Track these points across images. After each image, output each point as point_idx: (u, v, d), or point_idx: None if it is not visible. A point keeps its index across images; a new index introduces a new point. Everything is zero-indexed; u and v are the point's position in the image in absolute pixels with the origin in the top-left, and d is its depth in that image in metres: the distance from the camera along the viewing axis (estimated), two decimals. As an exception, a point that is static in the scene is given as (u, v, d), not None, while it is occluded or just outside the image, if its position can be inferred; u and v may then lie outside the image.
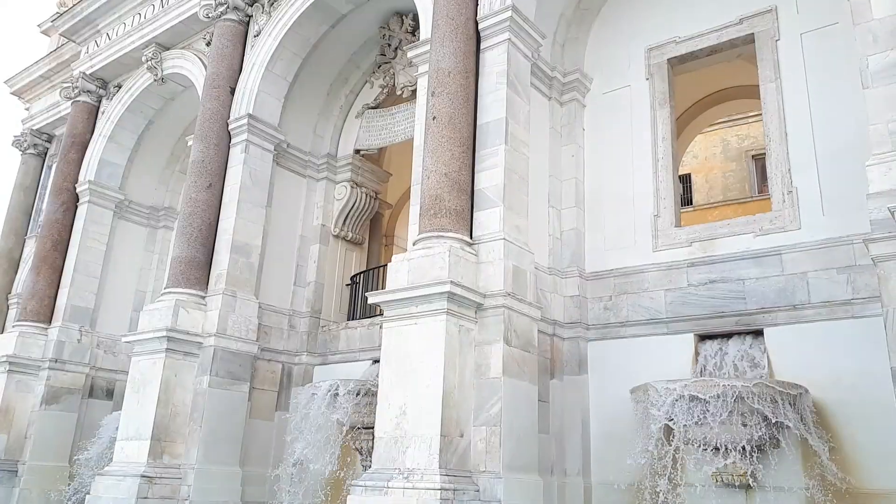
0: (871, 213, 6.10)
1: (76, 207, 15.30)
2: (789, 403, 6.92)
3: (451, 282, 7.79)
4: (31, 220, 18.18)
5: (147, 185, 16.28)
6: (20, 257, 17.71)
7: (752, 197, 21.44)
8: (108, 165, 15.53)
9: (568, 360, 9.33)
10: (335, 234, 13.33)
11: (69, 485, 13.03)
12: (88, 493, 10.65)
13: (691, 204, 22.26)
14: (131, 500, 9.82)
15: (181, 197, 13.15)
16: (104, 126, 15.71)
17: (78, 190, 15.34)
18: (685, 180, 22.15)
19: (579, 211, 10.04)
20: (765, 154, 9.13)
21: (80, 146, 15.71)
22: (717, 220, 9.40)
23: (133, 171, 15.99)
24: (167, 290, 11.47)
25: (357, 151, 13.60)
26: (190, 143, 12.80)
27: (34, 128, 18.83)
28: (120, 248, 15.60)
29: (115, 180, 15.60)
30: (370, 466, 7.91)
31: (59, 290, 14.65)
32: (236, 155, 12.29)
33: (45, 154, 19.06)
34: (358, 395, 9.54)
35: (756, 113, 15.45)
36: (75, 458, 13.25)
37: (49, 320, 14.43)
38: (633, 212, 9.66)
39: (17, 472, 13.24)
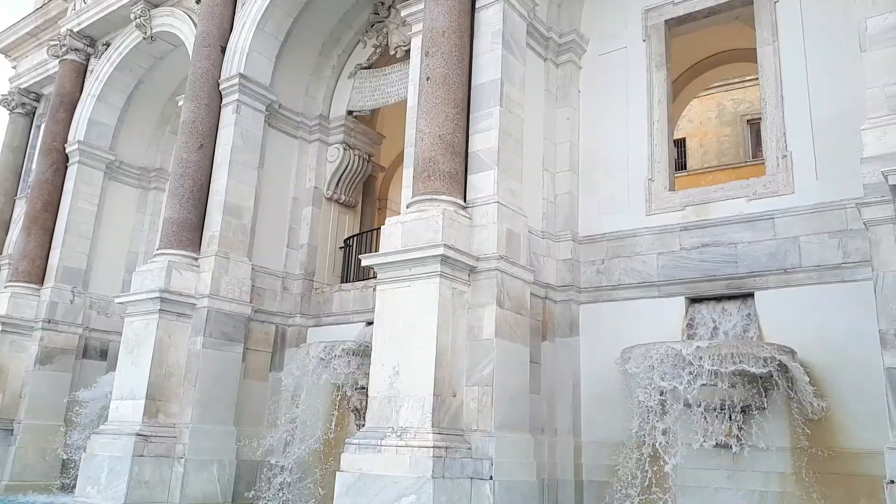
0: (864, 178, 6.11)
1: (66, 168, 15.16)
2: (777, 365, 7.03)
3: (445, 245, 7.80)
4: (21, 181, 17.99)
5: (138, 145, 16.11)
6: (10, 218, 17.58)
7: (746, 162, 21.42)
8: (98, 125, 15.34)
9: (560, 322, 9.41)
10: (328, 196, 13.27)
11: (65, 443, 13.19)
12: (84, 451, 10.78)
13: (685, 169, 22.24)
14: (127, 458, 9.94)
15: (172, 158, 13.03)
16: (93, 85, 15.47)
17: (67, 150, 15.17)
18: (680, 145, 22.09)
19: (573, 174, 10.02)
20: (760, 119, 9.10)
21: (69, 106, 15.49)
22: (710, 184, 9.40)
23: (123, 131, 15.80)
24: (159, 251, 11.44)
25: (350, 113, 13.46)
26: (180, 103, 12.63)
27: (22, 86, 18.51)
28: (111, 209, 15.51)
29: (105, 141, 15.42)
30: (364, 426, 8.02)
31: (51, 251, 14.61)
32: (227, 115, 12.15)
33: (34, 113, 18.78)
34: (352, 356, 9.63)
35: (752, 77, 15.34)
36: (70, 418, 13.38)
37: (41, 281, 14.41)
38: (627, 175, 9.65)
39: (12, 430, 13.36)
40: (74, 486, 10.88)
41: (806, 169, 8.23)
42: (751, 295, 8.22)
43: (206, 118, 12.06)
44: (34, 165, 15.94)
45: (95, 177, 15.23)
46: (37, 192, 14.92)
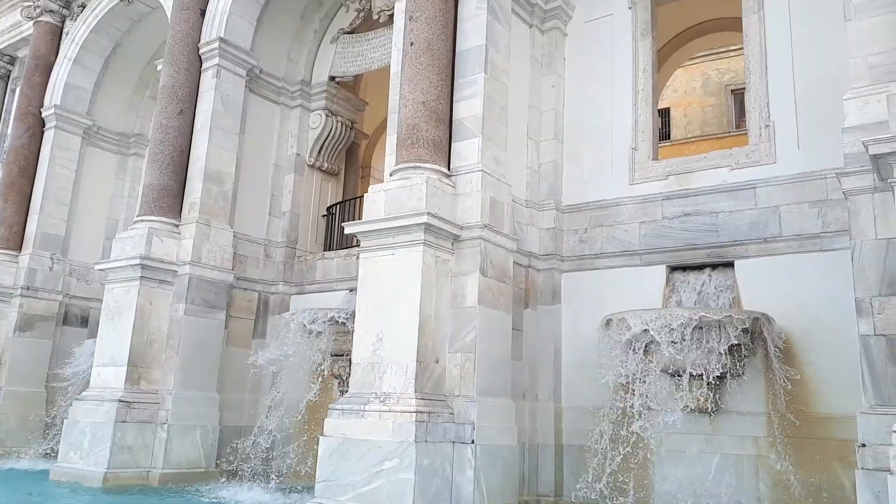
0: (845, 147, 6.15)
1: (42, 133, 14.83)
2: (754, 333, 7.15)
3: (429, 213, 7.79)
4: (-4, 146, 17.64)
5: (116, 110, 15.80)
6: (-14, 184, 17.24)
7: (729, 132, 21.51)
8: (74, 90, 15.01)
9: (542, 290, 9.47)
10: (310, 163, 13.15)
11: (46, 409, 13.17)
12: (66, 418, 10.77)
13: (669, 139, 22.29)
14: (109, 424, 9.96)
15: (152, 123, 12.82)
16: (69, 48, 15.09)
17: (44, 115, 14.85)
18: (664, 114, 22.11)
19: (558, 143, 10.00)
20: (744, 89, 9.11)
21: (45, 69, 15.12)
22: (694, 154, 9.44)
23: (101, 95, 15.47)
24: (140, 217, 11.33)
25: (332, 79, 13.28)
26: (159, 67, 12.40)
27: (-5, 49, 18.05)
28: (89, 175, 15.26)
29: (83, 105, 15.11)
30: (347, 392, 8.08)
31: (29, 218, 14.37)
32: (207, 80, 11.95)
33: (8, 77, 18.30)
34: (335, 323, 9.65)
35: (738, 47, 15.32)
36: (51, 383, 13.34)
37: (19, 248, 14.21)
38: (611, 144, 9.65)
39: (-7, 397, 13.30)
40: (57, 453, 10.89)
41: (788, 139, 8.28)
42: (731, 264, 8.31)
43: (186, 83, 11.85)
44: (9, 130, 15.59)
45: (73, 142, 14.95)
46: (13, 158, 14.62)
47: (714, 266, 8.50)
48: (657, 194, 9.02)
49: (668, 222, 8.85)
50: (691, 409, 7.65)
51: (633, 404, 7.37)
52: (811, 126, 8.09)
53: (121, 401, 10.12)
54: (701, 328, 6.86)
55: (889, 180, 5.34)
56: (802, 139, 8.16)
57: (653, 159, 9.38)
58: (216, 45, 11.81)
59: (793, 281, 7.75)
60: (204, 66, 12.03)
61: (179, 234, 11.28)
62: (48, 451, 12.65)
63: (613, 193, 9.40)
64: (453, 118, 8.79)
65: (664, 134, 22.00)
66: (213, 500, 8.95)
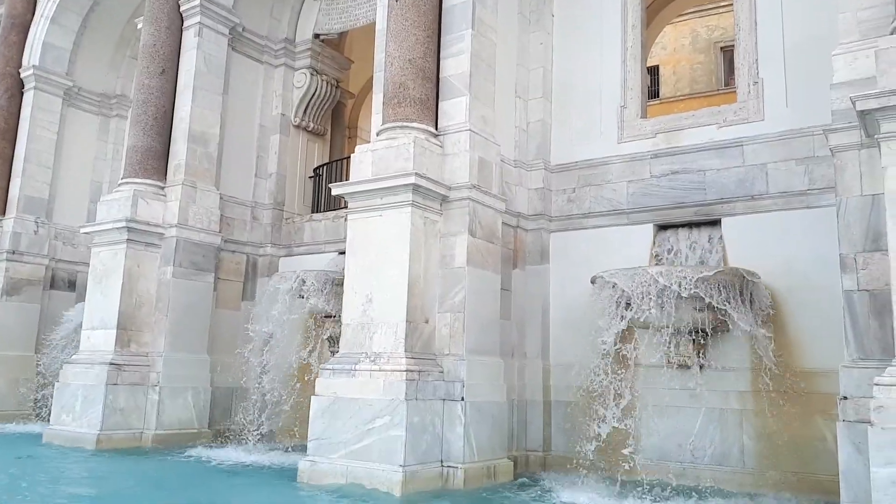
0: (833, 104, 6.14)
1: (22, 94, 14.52)
2: (740, 289, 7.22)
3: (416, 174, 7.74)
4: (-26, 108, 17.25)
5: (96, 71, 15.47)
6: (-34, 147, 16.94)
7: (718, 90, 21.40)
8: (53, 49, 14.67)
9: (531, 250, 9.50)
10: (296, 124, 13.01)
11: (37, 373, 13.20)
12: (57, 381, 10.81)
13: (658, 97, 22.16)
14: (101, 386, 10.00)
15: (133, 84, 12.59)
16: (46, 6, 14.66)
17: (22, 75, 14.52)
18: (653, 72, 21.95)
19: (546, 101, 9.92)
20: (734, 46, 9.03)
21: (21, 28, 14.73)
22: (683, 112, 9.39)
23: (80, 55, 15.13)
24: (124, 180, 11.21)
25: (316, 36, 13.04)
26: (140, 26, 12.10)
27: (-32, 7, 17.54)
28: (71, 137, 15.02)
29: (62, 65, 14.78)
30: (338, 352, 8.13)
31: (11, 181, 14.16)
32: (189, 39, 11.71)
33: (-17, 36, 17.86)
34: (324, 284, 9.66)
35: (727, 3, 15.15)
36: (41, 348, 13.35)
37: (3, 212, 14.04)
38: (599, 103, 9.57)
39: (-17, 362, 13.29)
40: (49, 416, 10.95)
41: (777, 96, 8.25)
42: (718, 221, 8.35)
43: (168, 42, 11.62)
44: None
45: (53, 103, 14.67)
46: (-7, 120, 14.37)
47: (701, 224, 8.54)
48: (645, 153, 9.01)
49: (656, 181, 8.85)
50: (677, 366, 7.78)
51: (619, 361, 7.47)
52: (800, 83, 8.06)
53: (111, 363, 10.15)
54: (688, 285, 6.91)
55: (875, 136, 5.35)
56: (791, 96, 8.13)
57: (641, 117, 9.33)
58: (197, 2, 11.56)
59: (779, 238, 7.81)
60: (185, 24, 11.79)
61: (165, 196, 11.19)
62: (40, 415, 12.72)
63: (602, 152, 9.37)
64: (440, 76, 8.68)
65: (653, 92, 21.88)
66: (207, 460, 9.05)
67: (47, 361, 13.02)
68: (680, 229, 8.69)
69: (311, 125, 13.21)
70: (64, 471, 8.21)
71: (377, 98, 9.00)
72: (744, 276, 7.26)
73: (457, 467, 7.44)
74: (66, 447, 9.83)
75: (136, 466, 8.61)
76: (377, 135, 8.53)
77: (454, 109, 8.53)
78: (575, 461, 7.38)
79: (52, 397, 10.88)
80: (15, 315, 13.56)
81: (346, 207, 8.76)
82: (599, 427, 7.33)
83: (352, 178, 8.40)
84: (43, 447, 9.95)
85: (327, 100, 13.32)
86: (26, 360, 13.50)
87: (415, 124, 8.23)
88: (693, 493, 6.71)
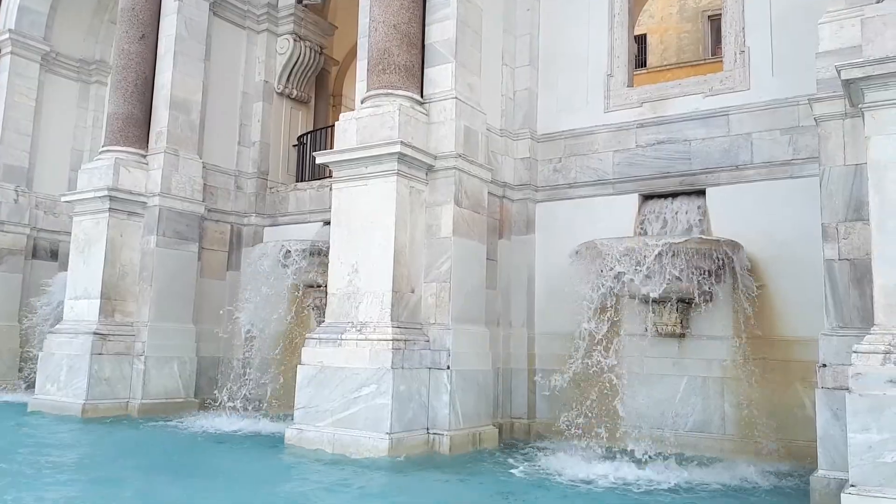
0: (818, 73, 6.12)
1: (-2, 59, 14.26)
2: (722, 259, 7.28)
3: (402, 142, 7.68)
4: (-51, 73, 16.85)
5: (75, 35, 15.14)
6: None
7: (705, 59, 21.32)
8: (30, 13, 14.32)
9: (516, 220, 9.50)
10: (279, 91, 12.83)
11: (21, 343, 13.14)
12: (41, 351, 10.76)
13: (645, 66, 22.04)
14: (85, 356, 9.97)
15: (113, 49, 12.32)
16: (20, -32, 14.31)
17: (-2, 40, 14.22)
18: (640, 41, 21.78)
19: (533, 69, 9.83)
20: (721, 14, 8.97)
21: (-5, -10, 14.40)
22: (669, 81, 9.35)
23: (58, 19, 14.80)
24: (105, 148, 11.04)
25: (299, 1, 12.80)
26: (118, -12, 11.83)
27: (-60, -32, 17.01)
28: (50, 104, 14.75)
29: (39, 30, 14.45)
30: (324, 322, 8.14)
31: (-11, 149, 13.95)
32: (169, 3, 11.45)
33: (-44, -1, 17.38)
34: (310, 254, 9.62)
35: (716, -31, 14.99)
36: (24, 318, 13.26)
37: (-19, 180, 13.85)
38: (586, 71, 9.51)
39: (-34, 332, 13.21)
40: (34, 385, 10.92)
41: (763, 65, 8.23)
42: (703, 191, 8.38)
43: (147, 6, 11.36)
44: (-39, 57, 14.91)
45: (31, 69, 14.37)
46: (-31, 86, 14.05)
47: (686, 194, 8.57)
48: (631, 122, 8.98)
49: (642, 150, 8.85)
50: (660, 334, 7.87)
51: (602, 331, 7.53)
52: (786, 52, 8.03)
53: (95, 333, 10.11)
54: (671, 255, 6.96)
55: (860, 106, 5.35)
56: (777, 65, 8.12)
57: (628, 86, 9.29)
58: (177, -35, 11.28)
59: (762, 208, 7.85)
60: (165, -13, 11.53)
61: (147, 164, 11.05)
62: (25, 385, 12.68)
63: (588, 122, 9.33)
64: (425, 42, 8.57)
65: (640, 61, 21.74)
66: (194, 428, 9.08)
67: (31, 331, 12.94)
68: (665, 199, 8.72)
69: (295, 92, 13.04)
70: (49, 438, 8.20)
71: (361, 65, 8.89)
72: (725, 246, 7.31)
73: (443, 434, 7.53)
74: (52, 416, 9.83)
75: (122, 434, 8.63)
76: (361, 102, 8.44)
77: (440, 77, 8.44)
78: (559, 428, 7.48)
79: (36, 367, 10.83)
80: (-3, 285, 13.45)
81: (331, 177, 8.70)
82: (581, 394, 7.42)
83: (336, 146, 8.32)
84: (29, 416, 9.94)
85: (311, 66, 13.14)
86: (10, 329, 13.42)
87: (400, 91, 8.14)
88: (674, 459, 6.83)
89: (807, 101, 6.40)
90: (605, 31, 9.41)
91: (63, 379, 10.16)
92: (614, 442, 7.25)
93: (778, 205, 7.76)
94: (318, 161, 8.55)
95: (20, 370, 13.21)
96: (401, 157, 7.74)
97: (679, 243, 7.04)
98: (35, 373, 10.92)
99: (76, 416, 9.71)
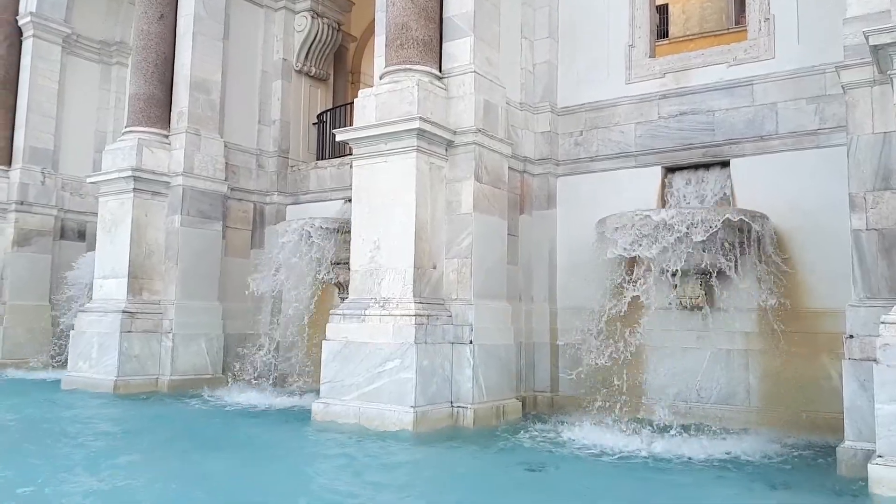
0: (845, 39, 5.99)
1: (20, 42, 14.37)
2: (747, 231, 7.21)
3: (421, 118, 7.67)
4: (-27, 58, 17.05)
5: (95, 17, 15.23)
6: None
7: (728, 29, 20.93)
8: (50, -5, 14.43)
9: (537, 195, 9.46)
10: (297, 69, 12.82)
11: (52, 322, 13.44)
12: (72, 329, 11.00)
13: (667, 37, 21.69)
14: (115, 334, 10.18)
15: (132, 30, 12.40)
16: (39, -50, 14.37)
17: (20, 23, 14.31)
18: (662, 11, 21.42)
19: (553, 42, 9.72)
20: (745, -20, 8.78)
21: (16, -27, 14.48)
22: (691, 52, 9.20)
23: (77, 1, 14.87)
24: (128, 129, 11.15)
25: (317, -22, 12.75)
26: (136, -31, 11.85)
27: (-39, -47, 17.13)
28: (73, 86, 14.90)
29: (59, 12, 14.53)
30: (347, 298, 8.22)
31: (15, 132, 14.13)
32: (187, -18, 11.48)
33: (-22, -17, 17.51)
34: (333, 232, 9.68)
35: (740, -65, 14.64)
36: (55, 297, 13.54)
37: (8, 162, 14.05)
38: (607, 42, 9.38)
39: (-2, 311, 13.54)
40: (65, 363, 11.18)
41: (788, 33, 8.06)
42: (727, 163, 8.28)
43: (165, -15, 11.37)
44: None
45: (53, 52, 14.50)
46: (-7, 69, 14.23)
47: (709, 166, 8.47)
48: (654, 93, 8.87)
49: (664, 122, 8.75)
50: (684, 307, 7.84)
51: (625, 304, 7.52)
52: (812, 19, 7.86)
53: (124, 311, 10.31)
54: (695, 227, 6.90)
55: (889, 72, 5.24)
56: (803, 33, 7.95)
57: (650, 57, 9.15)
58: (194, -56, 11.26)
59: (787, 179, 7.75)
60: (183, -34, 11.52)
61: (169, 144, 11.16)
62: (56, 362, 12.98)
63: (609, 94, 9.23)
64: (444, 16, 8.50)
65: (662, 32, 21.39)
66: (223, 403, 9.26)
67: (61, 310, 13.22)
68: (688, 171, 8.63)
69: (314, 70, 13.03)
70: (88, 412, 8.47)
71: (379, 40, 8.85)
72: (749, 218, 7.23)
73: (466, 407, 7.60)
74: (85, 392, 10.08)
75: (155, 409, 8.84)
76: (380, 78, 8.42)
77: (458, 51, 8.38)
78: (582, 401, 7.52)
79: (67, 345, 11.09)
80: (27, 265, 13.75)
81: (351, 154, 8.72)
82: (605, 368, 7.44)
83: (355, 123, 8.33)
84: (63, 393, 10.20)
85: (329, 43, 13.10)
86: (40, 309, 13.72)
87: (418, 67, 8.11)
88: (698, 431, 6.84)
89: (833, 69, 6.28)
90: (626, 1, 9.27)
91: (94, 356, 10.40)
92: (638, 414, 7.27)
93: (804, 175, 7.64)
94: (337, 138, 8.56)
95: (52, 348, 13.51)
96: (420, 133, 7.73)
97: (703, 215, 6.97)
98: (66, 351, 11.18)
99: (108, 393, 9.95)
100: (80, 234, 14.69)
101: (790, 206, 7.66)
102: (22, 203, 13.76)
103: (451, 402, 7.65)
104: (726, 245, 7.10)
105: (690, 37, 21.40)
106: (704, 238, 6.91)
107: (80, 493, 4.62)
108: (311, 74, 13.05)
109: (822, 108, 7.66)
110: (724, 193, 8.22)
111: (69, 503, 4.40)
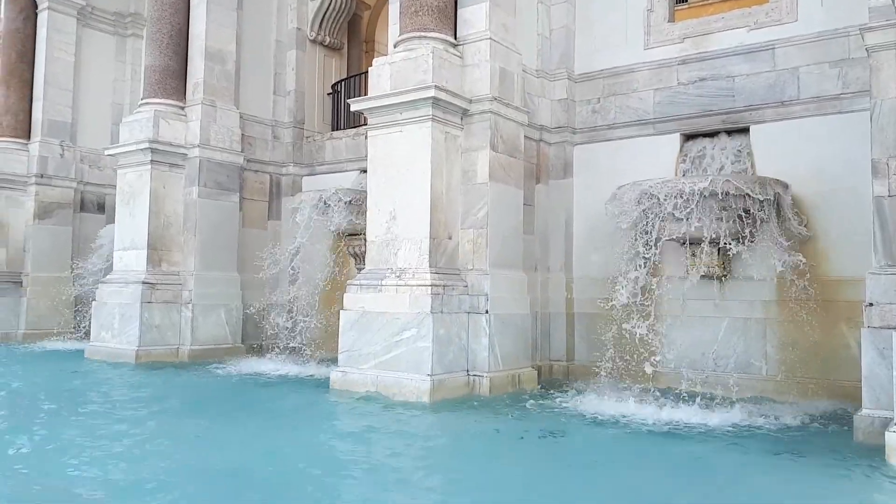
0: (870, 0, 5.84)
1: (36, 15, 14.39)
2: (766, 199, 7.12)
3: (436, 86, 7.60)
4: (-10, 31, 17.12)
5: (108, -12, 15.22)
6: (-16, 72, 16.93)
7: (750, -9, 20.37)
8: (63, -34, 14.39)
9: (554, 164, 9.39)
10: (312, 38, 12.74)
11: (74, 293, 13.67)
12: (94, 300, 11.18)
13: (686, 1, 21.19)
14: (136, 304, 10.34)
15: (146, 1, 12.34)
16: (52, -79, 14.30)
17: (35, -5, 14.34)
18: (682, -26, 20.87)
19: (570, 6, 9.55)
20: (768, -60, 8.54)
21: (30, -55, 14.44)
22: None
23: (90, -27, 14.87)
24: (144, 100, 11.18)
25: (330, -56, 12.58)
26: (148, -62, 11.76)
27: (-25, -75, 17.09)
28: (89, 58, 14.92)
29: (73, -17, 14.55)
30: (364, 268, 8.26)
31: (33, 105, 14.23)
32: (200, -49, 11.38)
33: (-8, -45, 17.50)
34: (349, 203, 9.71)
35: None
36: (76, 269, 13.75)
37: (27, 136, 14.18)
38: (625, 7, 9.20)
39: (21, 282, 13.76)
40: (87, 333, 11.39)
41: (812, -6, 7.86)
42: (746, 129, 8.15)
43: (177, -46, 11.29)
44: (1, 14, 15.09)
45: (69, 24, 14.50)
46: (9, 42, 14.24)
47: (729, 132, 8.35)
48: (673, 59, 8.72)
49: (683, 88, 8.61)
50: (702, 276, 7.78)
51: (642, 273, 7.49)
52: (837, -21, 7.65)
53: (144, 282, 10.45)
54: (711, 195, 6.83)
55: (916, 34, 5.11)
56: (827, -6, 7.74)
57: (669, 21, 8.98)
58: (206, -89, 11.15)
59: (809, 145, 7.62)
60: (195, -65, 11.42)
61: (185, 116, 11.18)
62: (79, 334, 13.22)
63: (627, 60, 9.09)
64: (459, -18, 8.38)
65: (682, -5, 20.90)
66: (243, 372, 9.41)
67: (83, 281, 13.42)
68: (708, 138, 8.51)
69: (328, 39, 12.94)
70: (115, 380, 8.73)
71: (393, 7, 8.75)
72: (769, 185, 7.13)
73: (482, 376, 7.66)
74: (108, 362, 10.28)
75: (178, 377, 9.01)
76: (394, 46, 8.34)
77: (474, 17, 8.27)
78: (597, 370, 7.54)
79: (89, 316, 11.28)
80: (48, 238, 13.95)
81: (366, 124, 8.68)
82: (621, 337, 7.43)
83: (370, 93, 8.27)
84: (87, 362, 10.41)
85: (343, 12, 12.98)
86: (62, 280, 13.93)
87: (433, 34, 8.02)
88: (714, 400, 6.85)
89: (858, 32, 6.11)
90: (645, -36, 9.07)
91: (116, 326, 10.58)
92: (654, 383, 7.28)
93: (825, 141, 7.51)
94: (352, 108, 8.53)
95: (74, 319, 13.76)
96: (435, 102, 7.67)
97: (722, 183, 6.88)
98: (88, 321, 11.38)
99: (130, 363, 10.13)
100: (99, 207, 14.84)
101: (811, 173, 7.55)
102: (42, 176, 13.91)
103: (468, 371, 7.71)
104: (744, 213, 7.01)
105: (710, 1, 20.92)
106: (720, 206, 6.84)
107: (107, 456, 4.78)
108: (326, 44, 12.97)
109: (846, 73, 7.49)
110: (744, 160, 8.10)
111: (102, 466, 4.53)
